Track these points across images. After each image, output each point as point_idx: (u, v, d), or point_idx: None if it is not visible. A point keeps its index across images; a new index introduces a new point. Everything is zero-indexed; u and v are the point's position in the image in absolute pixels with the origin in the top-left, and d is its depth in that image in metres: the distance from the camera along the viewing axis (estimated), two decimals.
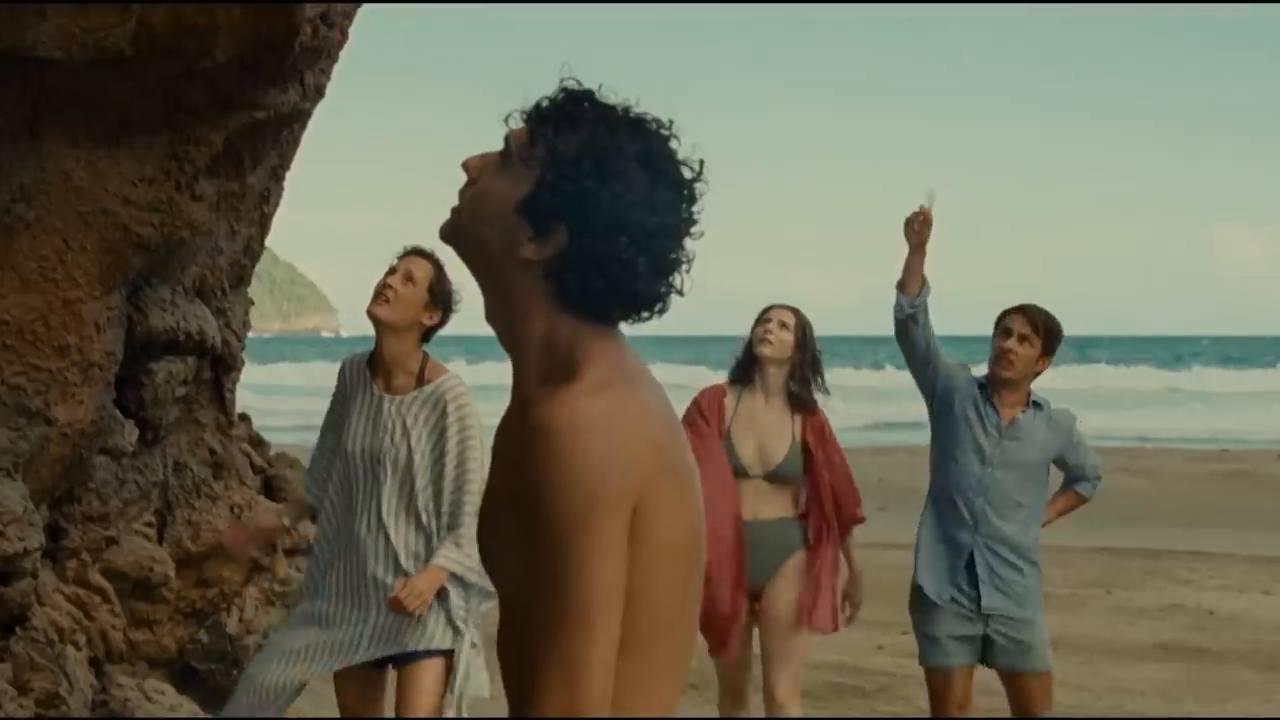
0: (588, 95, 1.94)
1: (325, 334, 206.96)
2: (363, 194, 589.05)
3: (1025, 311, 5.22)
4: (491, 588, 3.67)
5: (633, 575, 1.83)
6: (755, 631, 5.55)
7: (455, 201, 2.01)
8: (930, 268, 5.27)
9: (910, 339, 5.28)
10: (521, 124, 1.95)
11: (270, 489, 6.69)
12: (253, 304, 6.59)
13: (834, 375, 5.97)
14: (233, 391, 6.39)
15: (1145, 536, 13.59)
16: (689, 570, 1.92)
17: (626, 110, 1.94)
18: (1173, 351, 72.79)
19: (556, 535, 1.79)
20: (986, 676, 5.45)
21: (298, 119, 5.52)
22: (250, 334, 6.55)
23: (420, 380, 4.68)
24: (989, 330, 5.28)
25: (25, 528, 4.67)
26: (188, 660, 6.01)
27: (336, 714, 4.88)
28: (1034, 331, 5.17)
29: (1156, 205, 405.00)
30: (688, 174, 1.94)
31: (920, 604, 5.29)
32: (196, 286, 5.76)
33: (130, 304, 5.15)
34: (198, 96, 4.58)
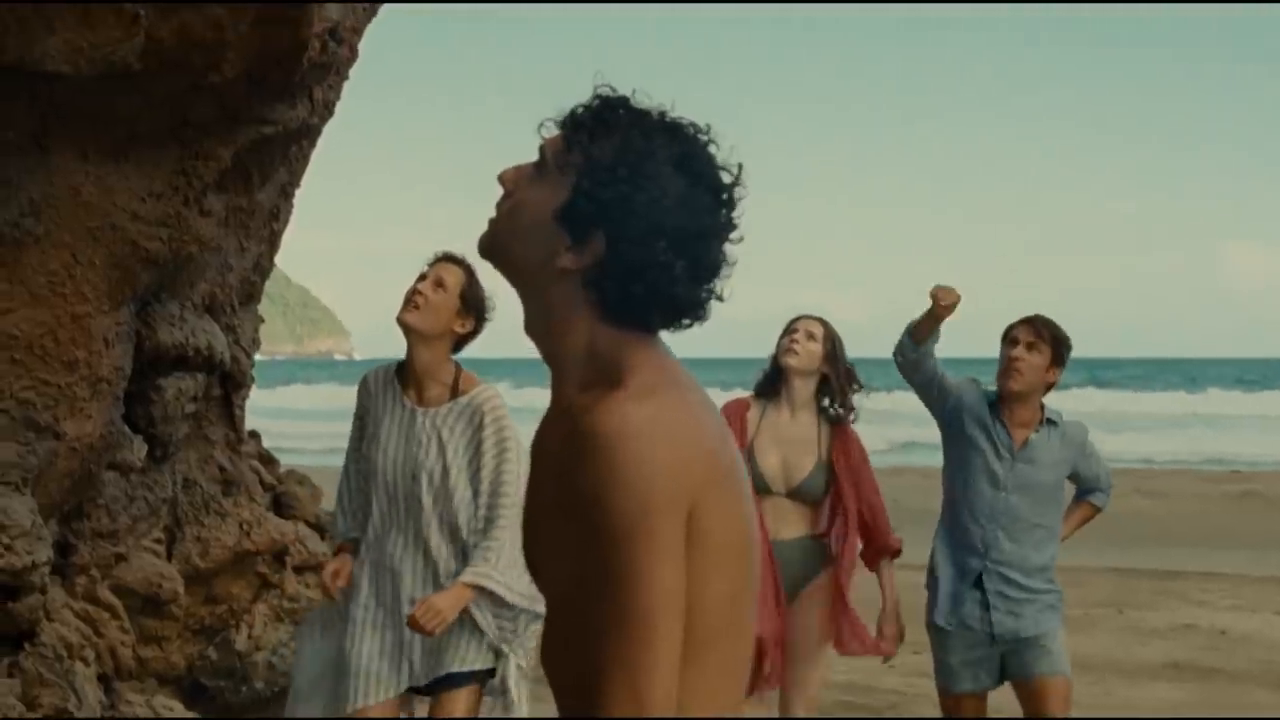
0: (622, 101, 1.91)
1: (338, 356, 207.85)
2: (376, 215, 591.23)
3: (1031, 321, 5.17)
4: (541, 609, 3.56)
5: (686, 582, 1.80)
6: None
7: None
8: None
9: (910, 370, 5.25)
10: (555, 132, 1.93)
11: (280, 506, 6.69)
12: (262, 321, 6.60)
13: None
14: (242, 408, 6.40)
15: (1157, 557, 13.53)
16: (743, 577, 1.88)
17: (662, 115, 1.91)
18: (1186, 374, 72.63)
19: (613, 542, 1.76)
20: (1003, 700, 5.40)
21: (307, 135, 5.53)
22: (263, 356, 6.52)
23: (455, 392, 4.46)
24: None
25: (33, 541, 4.66)
26: (196, 677, 6.01)
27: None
28: (1040, 339, 5.10)
29: (1170, 225, 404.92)
30: (726, 178, 1.91)
31: (933, 628, 5.25)
32: (206, 303, 5.76)
33: (139, 319, 5.15)
34: (205, 111, 4.58)
